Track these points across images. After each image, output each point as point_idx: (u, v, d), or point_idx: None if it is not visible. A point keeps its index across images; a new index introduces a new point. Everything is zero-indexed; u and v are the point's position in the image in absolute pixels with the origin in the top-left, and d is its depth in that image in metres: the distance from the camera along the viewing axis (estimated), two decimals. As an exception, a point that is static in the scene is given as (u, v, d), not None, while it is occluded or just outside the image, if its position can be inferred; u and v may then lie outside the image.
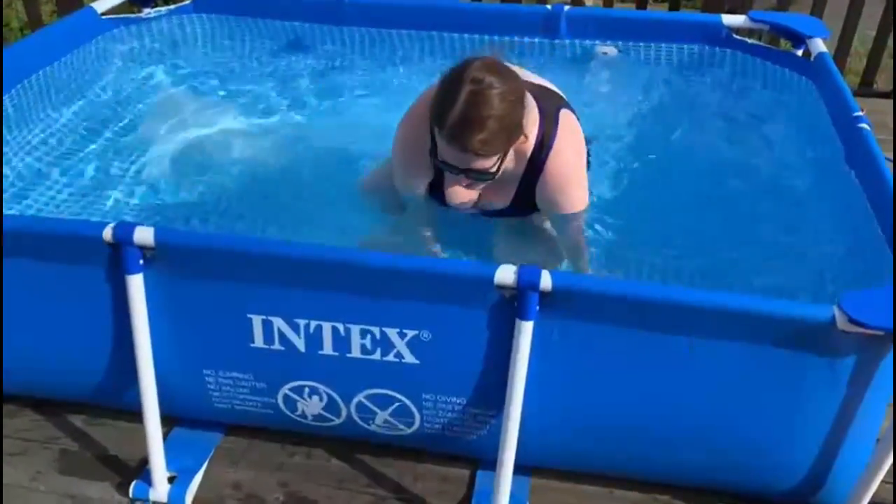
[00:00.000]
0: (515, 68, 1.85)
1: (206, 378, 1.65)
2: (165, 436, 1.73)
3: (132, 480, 1.69)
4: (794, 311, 1.35)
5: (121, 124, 2.62)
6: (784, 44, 2.86)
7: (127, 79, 2.79)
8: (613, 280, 1.42)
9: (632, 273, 2.01)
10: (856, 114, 1.96)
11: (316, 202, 2.26)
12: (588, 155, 1.95)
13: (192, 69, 2.91)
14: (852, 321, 1.30)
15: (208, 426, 1.81)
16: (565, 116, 1.80)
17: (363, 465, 1.75)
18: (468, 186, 1.72)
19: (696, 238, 2.14)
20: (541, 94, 1.80)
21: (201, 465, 1.73)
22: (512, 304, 1.43)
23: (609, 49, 2.77)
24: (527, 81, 1.79)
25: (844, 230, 1.90)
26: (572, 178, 1.81)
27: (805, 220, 2.12)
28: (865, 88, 3.48)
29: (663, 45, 2.74)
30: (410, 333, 1.50)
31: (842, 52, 3.42)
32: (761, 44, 2.71)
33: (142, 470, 1.70)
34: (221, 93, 2.83)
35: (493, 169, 1.66)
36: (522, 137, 1.69)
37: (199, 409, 1.74)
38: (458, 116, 1.56)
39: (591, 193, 1.90)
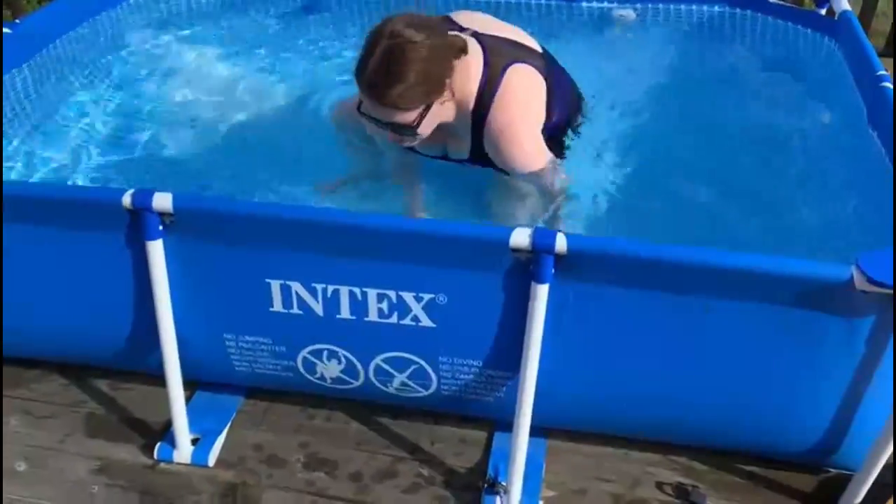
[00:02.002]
0: (481, 18, 1.86)
1: (227, 342, 1.68)
2: (188, 399, 1.77)
3: (156, 442, 1.73)
4: (812, 271, 1.33)
5: (132, 91, 2.63)
6: (808, 3, 2.80)
7: (137, 45, 2.79)
8: (628, 241, 1.41)
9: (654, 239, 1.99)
10: (879, 73, 1.92)
11: (317, 160, 2.26)
12: (575, 121, 1.92)
13: (204, 34, 2.91)
14: (870, 281, 1.28)
15: (230, 390, 1.84)
16: (516, 71, 1.79)
17: (381, 426, 1.78)
18: (399, 141, 1.74)
19: (716, 203, 2.12)
20: (497, 47, 1.80)
21: (223, 427, 1.77)
22: (527, 267, 1.43)
23: (627, 13, 2.73)
24: (484, 35, 1.80)
25: (866, 191, 1.88)
26: (515, 134, 1.79)
27: (826, 181, 2.09)
28: (891, 49, 3.40)
29: (682, 6, 2.70)
30: (427, 297, 1.51)
31: (867, 12, 3.33)
32: (783, 3, 2.66)
33: (166, 432, 1.74)
34: (234, 56, 2.83)
35: (415, 123, 1.67)
36: (448, 93, 1.69)
37: (220, 372, 1.78)
38: (373, 69, 1.59)
39: (601, 158, 1.89)
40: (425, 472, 1.68)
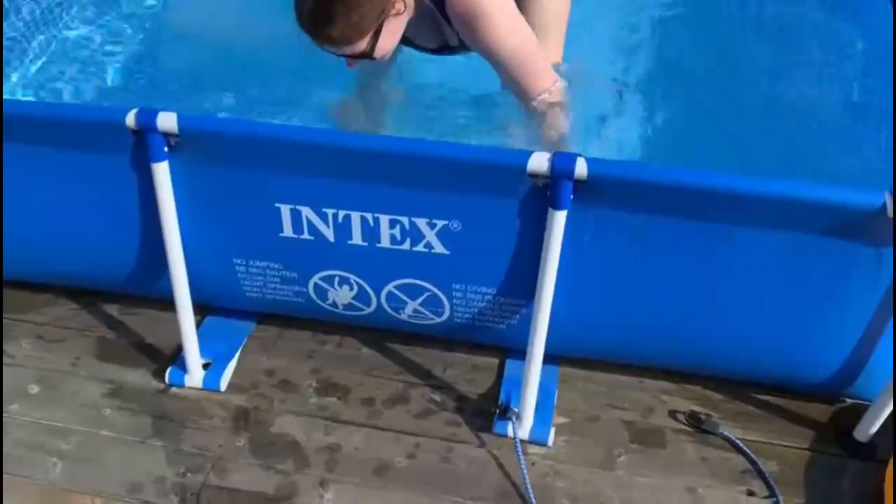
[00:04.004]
0: None
1: (237, 267, 1.65)
2: (199, 324, 1.76)
3: (168, 367, 1.72)
4: (843, 198, 1.28)
5: (135, 12, 2.53)
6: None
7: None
8: (651, 166, 1.36)
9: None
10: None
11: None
12: None
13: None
14: (904, 208, 1.24)
15: (241, 315, 1.83)
16: None
17: (394, 353, 1.77)
18: (366, 63, 1.64)
19: (737, 128, 2.05)
20: None
21: (235, 352, 1.76)
22: (545, 193, 1.39)
23: None
24: None
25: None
26: (479, 7, 1.59)
27: (860, 116, 2.02)
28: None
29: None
30: (440, 223, 1.47)
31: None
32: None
33: (177, 357, 1.74)
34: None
35: (367, 49, 1.57)
36: (400, 4, 1.57)
37: (230, 297, 1.76)
38: (306, 13, 1.50)
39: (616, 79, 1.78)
40: (437, 397, 1.68)
